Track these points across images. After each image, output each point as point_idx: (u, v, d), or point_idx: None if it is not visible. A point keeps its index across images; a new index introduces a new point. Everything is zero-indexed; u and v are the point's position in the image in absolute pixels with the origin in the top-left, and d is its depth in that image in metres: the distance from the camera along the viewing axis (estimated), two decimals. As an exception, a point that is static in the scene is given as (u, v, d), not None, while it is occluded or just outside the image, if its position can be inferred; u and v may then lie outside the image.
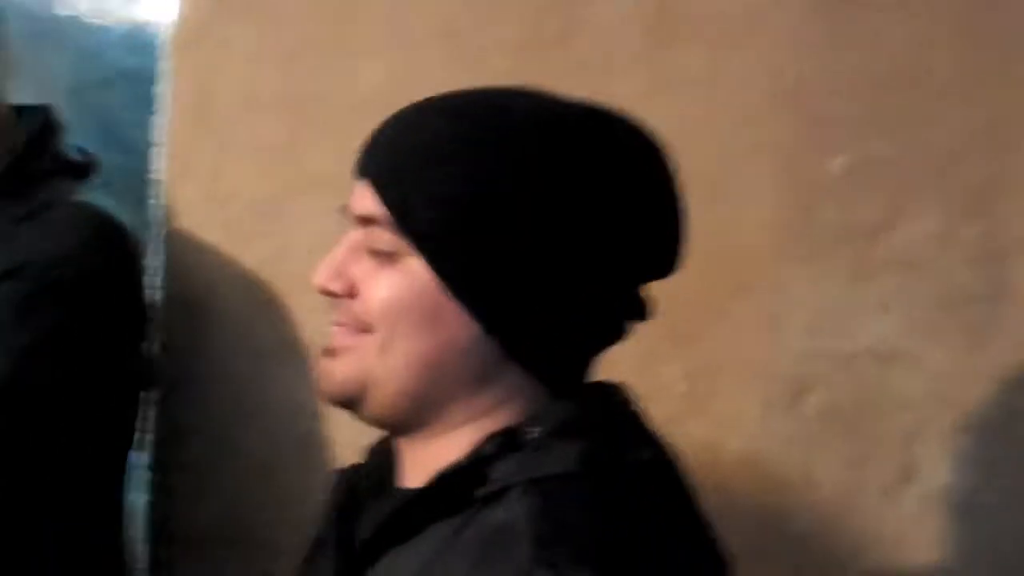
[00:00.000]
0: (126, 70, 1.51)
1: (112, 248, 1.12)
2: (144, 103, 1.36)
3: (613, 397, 0.78)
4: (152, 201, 1.28)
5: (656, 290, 1.13)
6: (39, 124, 1.15)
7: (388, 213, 0.71)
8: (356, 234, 0.74)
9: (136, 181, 1.34)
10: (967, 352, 1.09)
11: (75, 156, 1.18)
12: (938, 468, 1.08)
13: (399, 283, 0.72)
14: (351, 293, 0.74)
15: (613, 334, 0.78)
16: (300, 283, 1.07)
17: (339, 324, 0.75)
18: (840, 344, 1.12)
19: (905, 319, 1.10)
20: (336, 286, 0.74)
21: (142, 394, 1.21)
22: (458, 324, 0.72)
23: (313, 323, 1.15)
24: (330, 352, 0.75)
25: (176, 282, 1.25)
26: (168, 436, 1.25)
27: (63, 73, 1.53)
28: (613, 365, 1.14)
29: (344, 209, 0.75)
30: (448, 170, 0.70)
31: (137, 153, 1.36)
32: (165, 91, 1.29)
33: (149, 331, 1.21)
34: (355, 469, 0.83)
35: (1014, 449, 1.08)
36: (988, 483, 1.08)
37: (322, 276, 0.74)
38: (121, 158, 1.41)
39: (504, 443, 0.72)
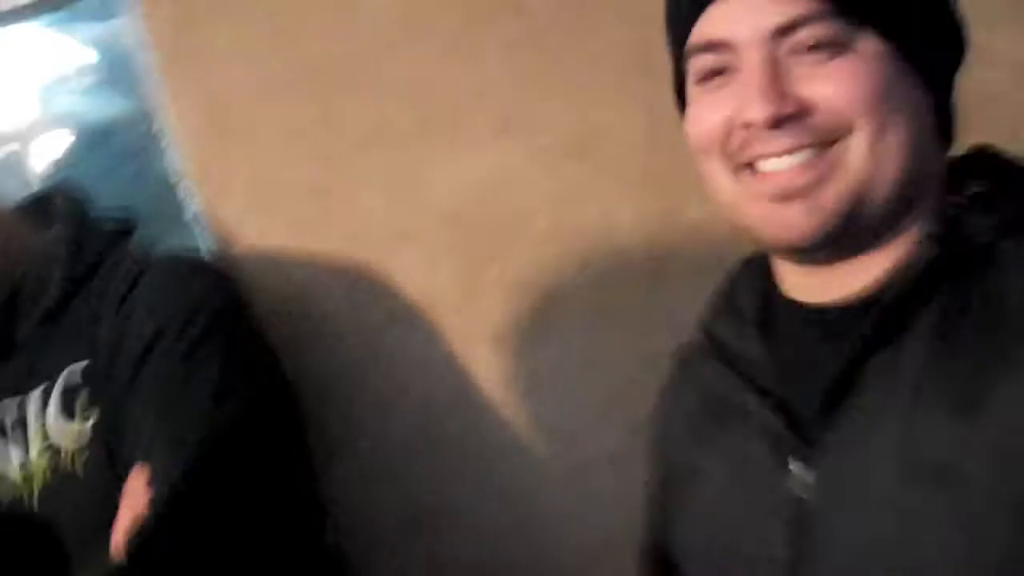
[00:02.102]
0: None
1: None
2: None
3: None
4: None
5: (413, 75, 1.18)
6: None
7: (825, 4, 0.65)
8: (761, 53, 0.66)
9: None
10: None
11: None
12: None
13: (868, 68, 0.66)
14: (804, 109, 0.66)
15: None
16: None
17: (794, 150, 0.67)
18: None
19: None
20: (788, 107, 0.66)
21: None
22: (919, 95, 0.69)
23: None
24: (795, 193, 0.67)
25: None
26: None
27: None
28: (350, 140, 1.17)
29: (710, 45, 0.69)
30: None
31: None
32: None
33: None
34: (707, 336, 0.80)
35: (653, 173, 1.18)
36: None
37: (767, 106, 0.66)
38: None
39: (972, 203, 0.69)
